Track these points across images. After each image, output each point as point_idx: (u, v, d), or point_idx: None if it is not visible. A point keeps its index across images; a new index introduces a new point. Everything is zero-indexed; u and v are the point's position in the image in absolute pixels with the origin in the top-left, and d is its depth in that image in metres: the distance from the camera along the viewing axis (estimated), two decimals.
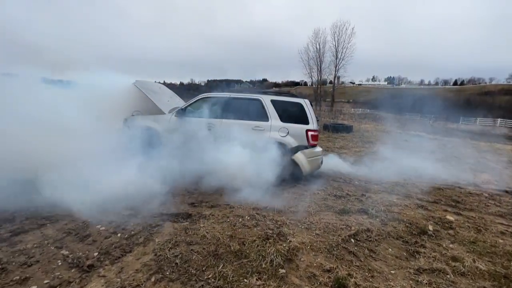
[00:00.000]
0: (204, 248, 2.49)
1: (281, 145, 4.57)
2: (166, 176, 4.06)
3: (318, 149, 4.76)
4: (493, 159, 8.24)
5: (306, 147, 4.61)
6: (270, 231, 2.86)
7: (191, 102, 5.12)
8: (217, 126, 4.81)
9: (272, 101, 4.83)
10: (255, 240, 2.66)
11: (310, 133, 4.61)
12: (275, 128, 4.68)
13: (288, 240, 2.69)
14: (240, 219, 3.15)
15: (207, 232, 2.77)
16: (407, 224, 3.28)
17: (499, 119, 33.75)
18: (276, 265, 2.29)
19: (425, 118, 32.95)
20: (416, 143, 10.56)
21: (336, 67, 35.86)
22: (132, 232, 2.71)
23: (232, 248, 2.50)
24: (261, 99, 4.86)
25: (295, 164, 4.60)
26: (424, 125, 22.58)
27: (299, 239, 2.74)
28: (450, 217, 3.58)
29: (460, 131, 22.00)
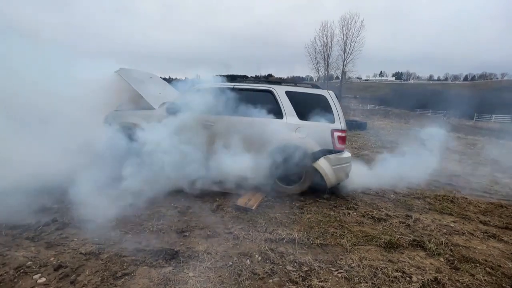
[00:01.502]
0: None
1: (299, 149, 3.57)
2: (148, 190, 3.13)
3: (347, 154, 3.74)
4: None
5: (331, 152, 3.60)
6: (294, 287, 1.89)
7: (185, 94, 4.14)
8: (217, 124, 3.83)
9: (287, 93, 3.81)
10: None
11: (336, 133, 3.58)
12: (291, 127, 3.67)
13: None
14: (248, 261, 2.18)
15: None
16: (487, 269, 2.28)
17: None
18: None
19: (436, 114, 31.48)
20: (442, 142, 9.41)
21: (344, 62, 34.44)
22: None
23: None
24: (273, 90, 3.85)
25: (317, 173, 3.60)
26: (438, 121, 21.30)
27: None
28: None
29: (478, 128, 20.64)
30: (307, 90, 3.84)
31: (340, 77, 37.84)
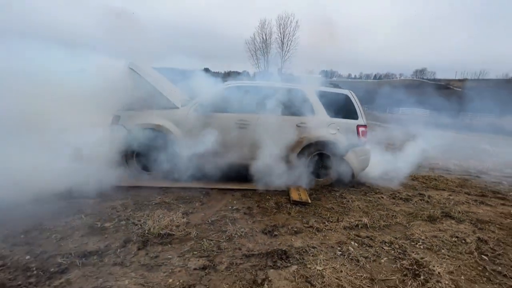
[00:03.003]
0: None
1: (332, 143, 3.91)
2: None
3: (368, 146, 4.28)
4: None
5: (356, 145, 4.07)
6: (406, 263, 2.23)
7: (214, 92, 3.94)
8: (253, 123, 3.82)
9: (316, 92, 4.09)
10: (392, 277, 1.99)
11: (360, 128, 4.07)
12: (324, 124, 3.97)
13: (436, 272, 2.10)
14: (351, 248, 2.41)
15: (338, 280, 1.96)
16: (497, 226, 3.10)
17: (416, 108, 40.09)
18: None
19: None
20: (380, 132, 11.14)
21: (282, 59, 36.46)
22: None
23: None
24: (304, 90, 4.06)
25: (345, 164, 4.02)
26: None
27: (444, 267, 2.18)
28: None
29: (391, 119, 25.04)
30: (332, 90, 4.19)
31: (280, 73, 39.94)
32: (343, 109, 4.09)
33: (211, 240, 2.40)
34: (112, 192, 3.26)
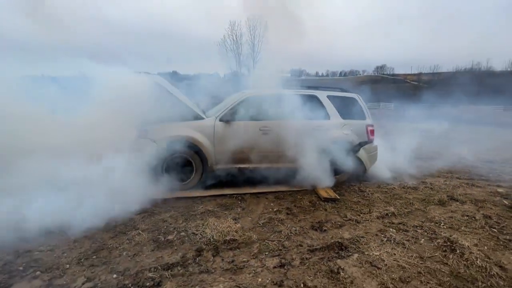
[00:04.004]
0: None
1: (347, 143, 4.31)
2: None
3: (375, 143, 4.75)
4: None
5: (366, 143, 4.52)
6: (440, 241, 2.65)
7: (235, 102, 4.11)
8: (275, 129, 4.07)
9: (329, 97, 4.46)
10: (435, 254, 2.40)
11: (369, 128, 4.52)
12: (338, 126, 4.36)
13: (466, 246, 2.55)
14: (393, 234, 2.78)
15: (396, 261, 2.31)
16: (492, 203, 3.70)
17: (381, 103, 43.01)
18: None
19: None
20: None
21: (253, 60, 36.83)
22: None
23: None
24: (317, 95, 4.41)
25: (358, 161, 4.44)
26: None
27: (469, 241, 2.64)
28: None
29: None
30: (342, 94, 4.59)
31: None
32: (352, 110, 4.51)
33: (273, 241, 2.61)
34: (151, 206, 3.31)
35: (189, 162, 3.86)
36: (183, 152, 3.77)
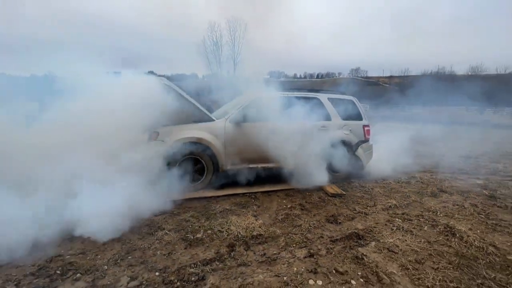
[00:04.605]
0: None
1: (347, 142, 4.62)
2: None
3: (370, 142, 5.10)
4: None
5: (363, 142, 4.86)
6: (441, 227, 2.99)
7: (244, 104, 4.25)
8: (283, 129, 4.25)
9: (329, 99, 4.74)
10: (439, 239, 2.73)
11: (366, 128, 4.87)
12: (339, 126, 4.65)
13: (463, 230, 2.90)
14: (400, 223, 3.08)
15: (409, 246, 2.59)
16: (477, 193, 4.18)
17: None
18: None
19: None
20: None
21: (234, 61, 36.77)
22: None
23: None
24: (320, 98, 4.67)
25: (357, 158, 4.77)
26: None
27: (464, 226, 3.01)
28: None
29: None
30: (340, 96, 4.90)
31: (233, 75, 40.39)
32: (350, 112, 4.83)
33: (296, 234, 2.79)
34: (168, 207, 3.34)
35: (200, 163, 3.93)
36: (195, 154, 3.84)
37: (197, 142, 3.82)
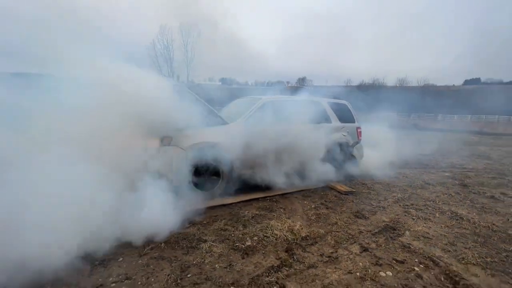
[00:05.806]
0: None
1: (346, 143, 4.94)
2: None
3: (361, 142, 5.54)
4: None
5: (357, 143, 5.26)
6: (449, 213, 3.42)
7: (254, 108, 4.18)
8: (293, 132, 4.33)
9: (329, 103, 5.01)
10: (452, 223, 3.15)
11: (359, 130, 5.29)
12: (338, 128, 4.94)
13: (464, 213, 3.38)
14: (418, 215, 3.41)
15: (434, 231, 2.89)
16: (450, 183, 4.90)
17: None
18: None
19: None
20: None
21: (187, 67, 35.68)
22: None
23: None
24: (320, 101, 4.90)
25: (353, 158, 5.13)
26: None
27: (462, 210, 3.51)
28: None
29: None
30: (336, 101, 5.22)
31: (186, 81, 39.01)
32: (345, 115, 5.19)
33: (338, 232, 2.86)
34: (194, 216, 3.06)
35: (216, 168, 3.71)
36: (211, 159, 3.61)
37: (213, 146, 3.60)
